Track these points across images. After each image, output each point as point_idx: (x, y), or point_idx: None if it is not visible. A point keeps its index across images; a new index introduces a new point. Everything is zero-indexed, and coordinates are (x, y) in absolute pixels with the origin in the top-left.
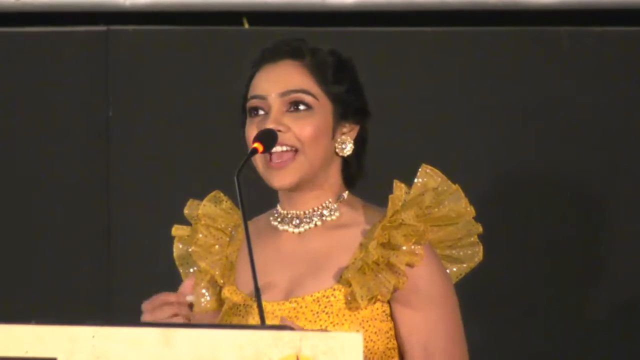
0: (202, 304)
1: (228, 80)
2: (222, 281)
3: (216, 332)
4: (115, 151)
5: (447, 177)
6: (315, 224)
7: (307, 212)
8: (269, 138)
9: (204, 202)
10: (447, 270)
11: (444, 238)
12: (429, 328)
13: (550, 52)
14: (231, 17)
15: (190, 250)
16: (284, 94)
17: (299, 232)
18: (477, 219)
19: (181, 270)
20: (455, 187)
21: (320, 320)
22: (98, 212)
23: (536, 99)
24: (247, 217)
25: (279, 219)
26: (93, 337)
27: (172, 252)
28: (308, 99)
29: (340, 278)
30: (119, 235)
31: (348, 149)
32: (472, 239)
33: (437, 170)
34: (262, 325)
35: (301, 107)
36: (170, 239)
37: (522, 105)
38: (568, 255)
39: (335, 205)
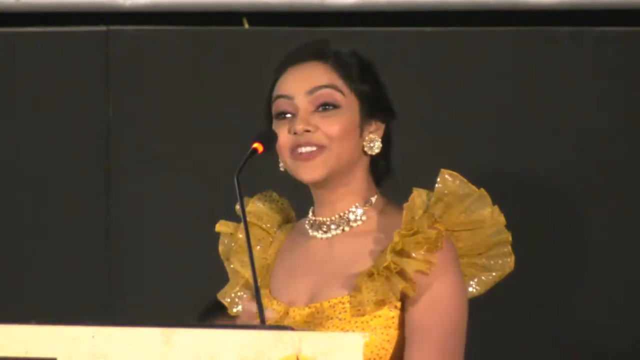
0: (238, 306)
1: (228, 80)
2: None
3: (216, 332)
4: (115, 151)
5: None
6: (343, 230)
7: (334, 218)
8: (269, 138)
9: (254, 199)
10: (476, 279)
11: (473, 246)
12: (429, 322)
13: (550, 52)
14: (231, 17)
15: (233, 247)
16: (311, 91)
17: (327, 238)
18: None
19: (226, 265)
20: (480, 190)
21: (332, 326)
22: (98, 211)
23: (536, 99)
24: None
25: (309, 225)
26: (93, 337)
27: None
28: (336, 95)
29: (355, 285)
30: (119, 235)
31: (377, 146)
32: (505, 249)
33: (456, 174)
34: (262, 326)
35: (329, 106)
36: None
37: (522, 106)
38: (566, 256)
39: (363, 210)
